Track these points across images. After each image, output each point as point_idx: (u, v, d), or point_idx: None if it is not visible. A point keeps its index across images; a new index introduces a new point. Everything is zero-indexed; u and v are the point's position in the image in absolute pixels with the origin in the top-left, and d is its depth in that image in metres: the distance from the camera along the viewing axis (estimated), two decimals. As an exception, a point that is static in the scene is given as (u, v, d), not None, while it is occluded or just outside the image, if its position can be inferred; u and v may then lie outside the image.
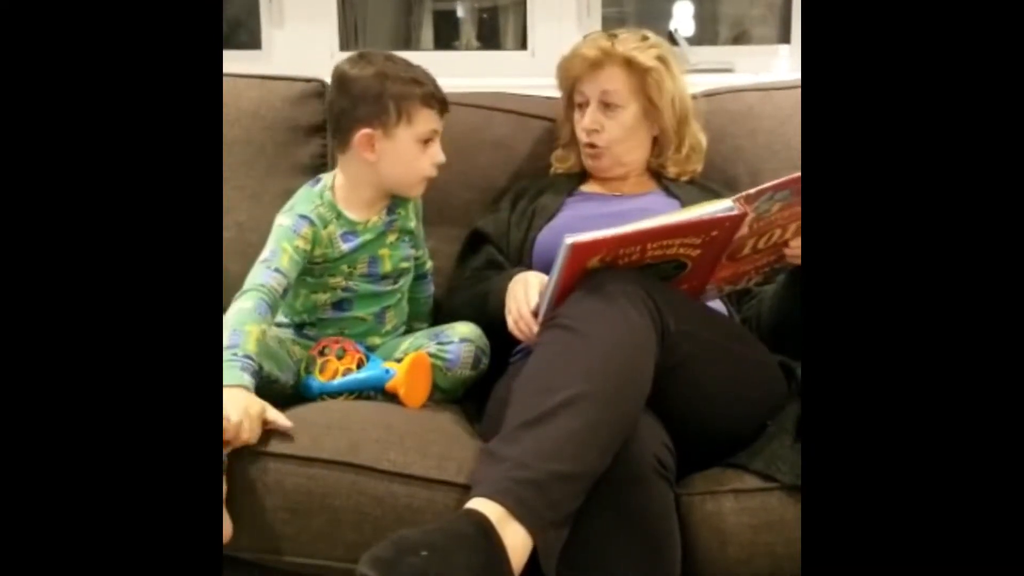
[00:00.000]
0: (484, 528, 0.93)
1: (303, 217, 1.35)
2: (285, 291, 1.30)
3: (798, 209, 1.19)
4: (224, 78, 1.67)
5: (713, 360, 1.17)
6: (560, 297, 1.14)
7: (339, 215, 1.38)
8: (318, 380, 1.32)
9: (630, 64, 1.51)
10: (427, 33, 2.87)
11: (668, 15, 2.58)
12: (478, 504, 0.96)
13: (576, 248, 1.08)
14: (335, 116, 1.38)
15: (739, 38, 2.84)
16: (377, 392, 1.34)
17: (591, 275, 1.12)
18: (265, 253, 1.33)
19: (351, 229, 1.38)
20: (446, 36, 2.86)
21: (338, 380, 1.32)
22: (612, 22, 2.53)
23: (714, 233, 1.15)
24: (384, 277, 1.42)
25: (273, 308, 1.27)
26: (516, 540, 0.95)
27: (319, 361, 1.34)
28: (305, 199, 1.39)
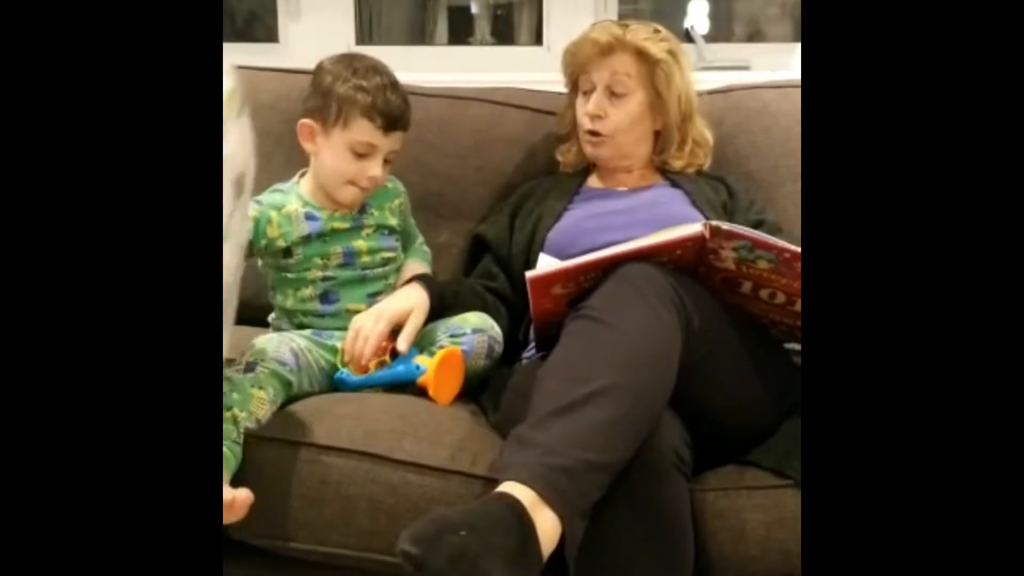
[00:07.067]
0: (517, 511, 0.93)
1: (255, 201, 1.39)
2: None
3: (796, 285, 1.15)
4: (242, 71, 1.68)
5: (732, 359, 1.17)
6: (537, 319, 1.24)
7: (304, 201, 1.42)
8: (352, 376, 1.32)
9: (641, 54, 1.50)
10: (442, 28, 2.88)
11: (683, 12, 2.57)
12: (510, 488, 0.95)
13: (533, 282, 1.17)
14: None
15: (754, 36, 2.83)
16: (408, 386, 1.33)
17: (619, 268, 1.13)
18: None
19: (314, 209, 1.41)
20: (461, 31, 2.87)
21: (371, 375, 1.32)
22: (627, 18, 2.51)
23: (678, 252, 1.16)
24: (364, 267, 1.43)
25: None
26: (546, 525, 0.94)
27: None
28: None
